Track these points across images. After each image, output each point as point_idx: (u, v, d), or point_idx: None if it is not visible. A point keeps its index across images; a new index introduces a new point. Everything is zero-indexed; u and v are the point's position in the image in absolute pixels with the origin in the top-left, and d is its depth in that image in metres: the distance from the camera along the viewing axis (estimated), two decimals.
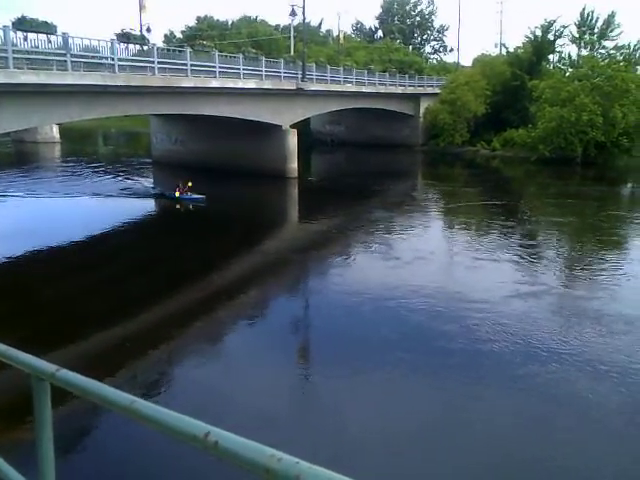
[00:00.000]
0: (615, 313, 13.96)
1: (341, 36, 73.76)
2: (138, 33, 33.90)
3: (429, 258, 19.28)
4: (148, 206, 29.35)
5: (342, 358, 11.65)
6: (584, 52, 56.83)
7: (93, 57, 22.89)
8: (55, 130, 57.49)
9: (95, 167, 41.80)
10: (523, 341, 12.21)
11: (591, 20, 57.62)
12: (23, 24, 21.38)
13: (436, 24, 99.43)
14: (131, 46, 26.05)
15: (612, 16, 57.33)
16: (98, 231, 23.00)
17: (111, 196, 29.91)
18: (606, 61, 47.42)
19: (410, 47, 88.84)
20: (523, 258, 19.40)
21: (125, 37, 26.32)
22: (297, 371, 11.58)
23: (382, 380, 10.74)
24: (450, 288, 15.91)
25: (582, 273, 18.24)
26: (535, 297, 15.22)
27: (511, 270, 17.95)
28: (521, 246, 21.24)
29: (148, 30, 53.52)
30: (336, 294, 15.79)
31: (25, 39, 20.44)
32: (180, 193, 27.57)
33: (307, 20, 51.75)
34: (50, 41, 21.42)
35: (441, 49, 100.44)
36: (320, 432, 9.17)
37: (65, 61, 21.09)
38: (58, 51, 21.23)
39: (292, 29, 64.05)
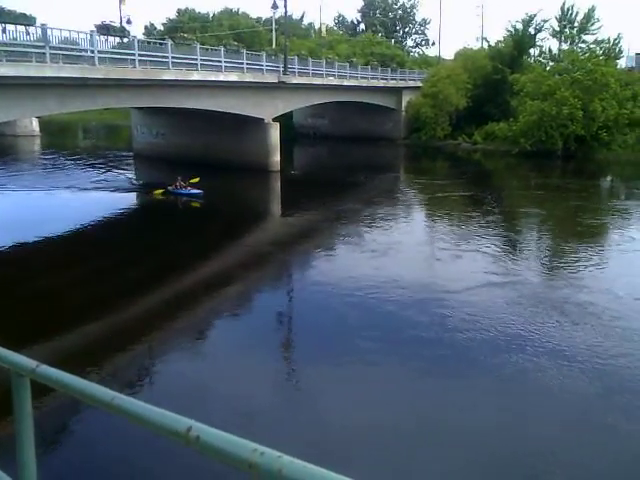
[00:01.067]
0: (581, 302, 14.31)
1: (323, 29, 73.64)
2: (118, 25, 33.63)
3: (405, 250, 19.54)
4: (129, 200, 29.20)
5: (318, 346, 11.98)
6: (564, 46, 57.35)
7: (72, 49, 22.64)
8: (35, 123, 56.93)
9: (75, 160, 41.45)
10: (489, 329, 12.54)
11: (571, 14, 58.07)
12: (1, 16, 21.10)
13: (418, 18, 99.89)
14: (111, 38, 25.82)
15: (592, 10, 57.82)
16: (82, 225, 22.82)
17: (90, 190, 29.65)
18: (586, 55, 47.80)
19: (392, 40, 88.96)
20: (496, 249, 19.63)
21: (105, 29, 26.08)
22: (276, 361, 11.61)
23: (357, 369, 10.93)
24: (425, 279, 16.31)
25: (552, 264, 18.57)
26: (502, 287, 15.52)
27: (483, 260, 18.15)
28: (495, 237, 21.40)
29: (128, 22, 53.18)
30: (315, 285, 16.08)
31: (3, 31, 20.17)
32: (175, 188, 27.41)
33: (289, 13, 51.70)
34: (29, 33, 21.17)
35: (423, 43, 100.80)
36: (299, 416, 9.28)
37: (44, 53, 20.84)
38: (37, 43, 20.98)
39: (274, 22, 63.86)
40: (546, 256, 19.58)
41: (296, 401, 10.10)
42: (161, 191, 27.40)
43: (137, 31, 79.42)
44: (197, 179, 27.98)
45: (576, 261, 18.28)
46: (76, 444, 8.82)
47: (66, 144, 54.87)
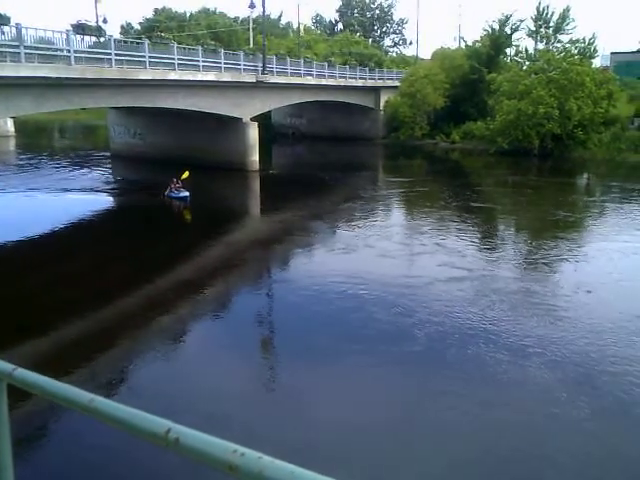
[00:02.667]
0: (532, 294, 14.85)
1: (301, 28, 73.62)
2: (94, 24, 33.33)
3: (374, 246, 19.65)
4: (107, 201, 28.98)
5: (288, 342, 12.35)
6: (540, 46, 57.84)
7: (48, 49, 22.40)
8: (10, 123, 56.31)
9: (51, 161, 40.98)
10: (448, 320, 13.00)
11: (547, 14, 58.60)
12: None
13: (395, 17, 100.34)
14: (87, 38, 25.58)
15: (567, 10, 58.40)
16: (58, 225, 22.57)
17: (65, 191, 29.26)
18: (562, 55, 48.27)
19: (370, 40, 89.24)
20: (461, 244, 19.87)
21: (81, 28, 25.80)
22: (249, 357, 11.67)
23: (326, 362, 11.16)
24: (390, 274, 16.49)
25: (513, 258, 18.86)
26: (461, 280, 15.87)
27: (446, 255, 18.39)
28: (461, 233, 21.62)
29: (104, 21, 52.73)
30: (290, 282, 16.55)
31: None
32: (171, 190, 26.64)
33: (267, 12, 51.54)
34: (3, 32, 20.93)
35: (401, 42, 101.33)
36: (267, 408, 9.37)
37: (19, 53, 20.60)
38: (11, 43, 20.73)
39: (251, 21, 63.75)
40: (511, 251, 19.89)
41: (266, 395, 10.25)
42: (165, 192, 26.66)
43: (113, 30, 78.76)
44: (186, 174, 27.06)
45: (536, 255, 18.70)
46: (55, 448, 8.74)
47: (42, 144, 54.33)
